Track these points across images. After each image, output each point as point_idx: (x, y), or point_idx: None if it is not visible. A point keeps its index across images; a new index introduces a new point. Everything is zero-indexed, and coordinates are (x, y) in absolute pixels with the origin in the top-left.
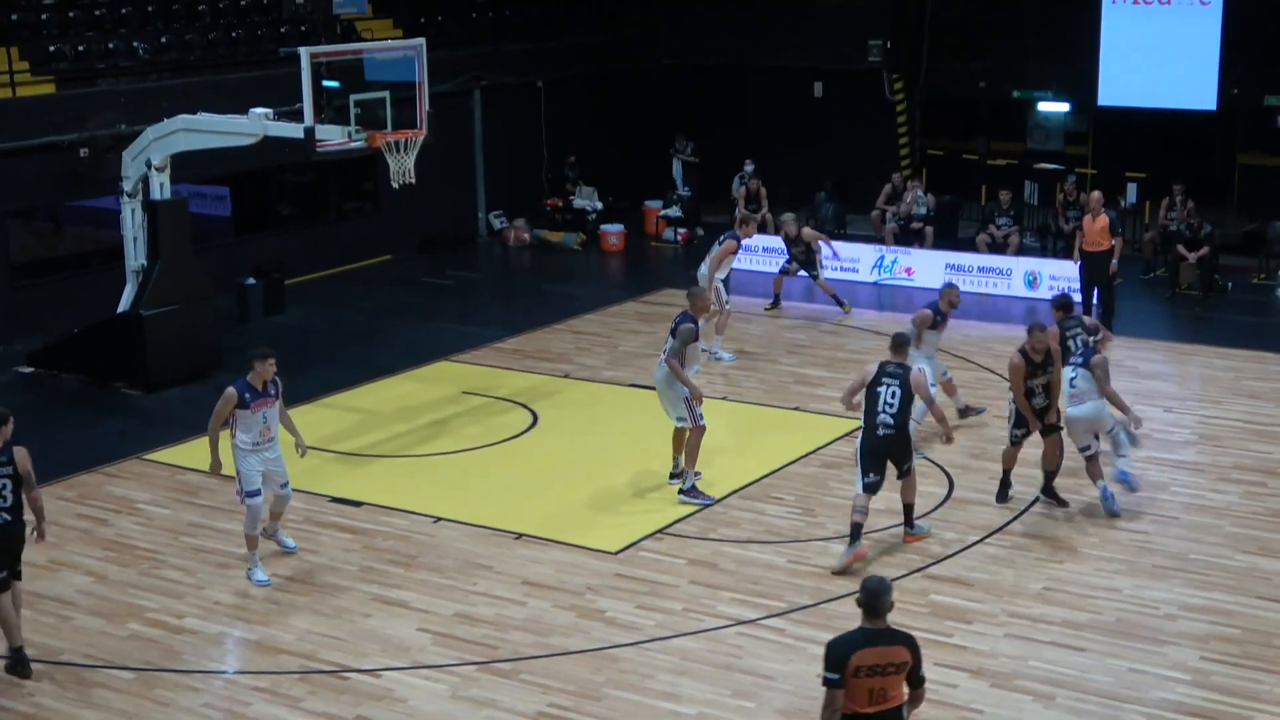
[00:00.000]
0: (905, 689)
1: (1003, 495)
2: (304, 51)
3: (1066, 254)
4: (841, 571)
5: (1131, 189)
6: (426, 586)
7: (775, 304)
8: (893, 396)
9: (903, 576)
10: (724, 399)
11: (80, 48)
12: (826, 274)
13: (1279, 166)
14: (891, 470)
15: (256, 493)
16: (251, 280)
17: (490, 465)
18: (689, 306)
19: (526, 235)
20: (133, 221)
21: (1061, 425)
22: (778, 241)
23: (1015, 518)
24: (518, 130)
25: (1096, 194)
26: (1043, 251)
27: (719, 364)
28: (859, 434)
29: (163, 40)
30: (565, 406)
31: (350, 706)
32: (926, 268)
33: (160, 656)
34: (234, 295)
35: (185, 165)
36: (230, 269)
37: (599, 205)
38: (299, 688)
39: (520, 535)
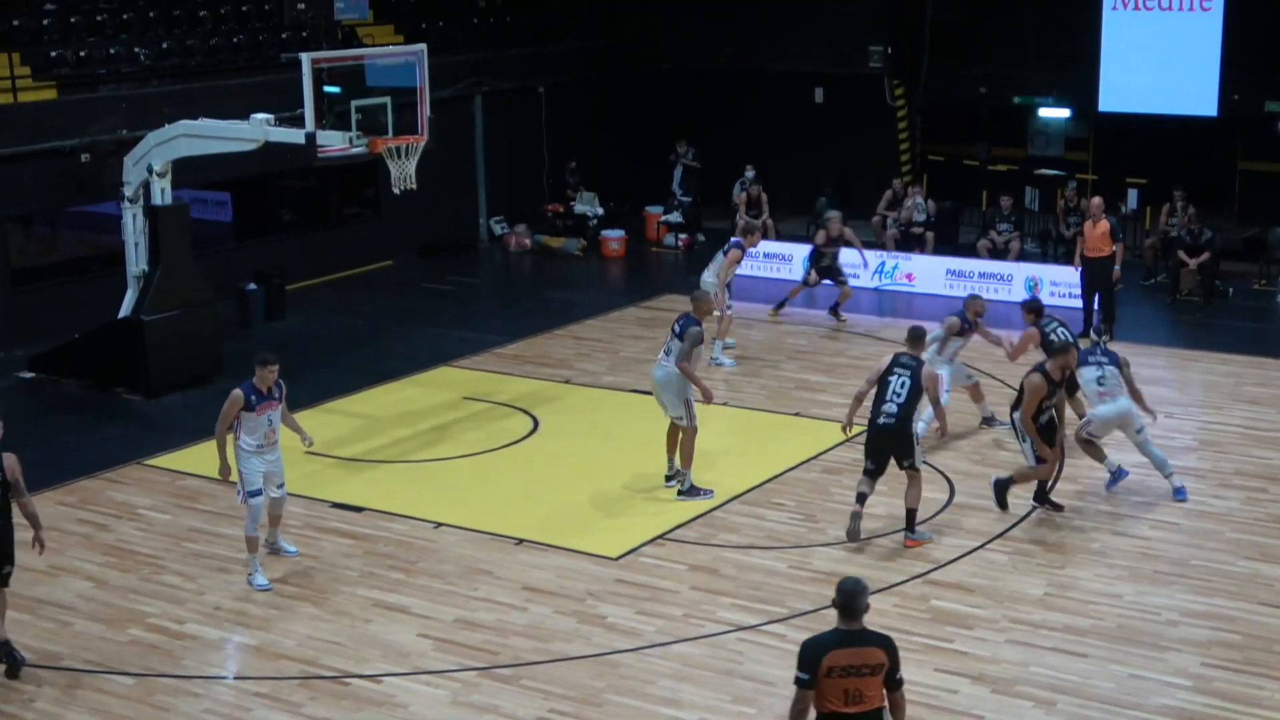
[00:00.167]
0: (884, 692)
1: (1052, 503)
2: (305, 57)
3: (1067, 260)
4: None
5: (1132, 195)
6: (427, 592)
7: (780, 307)
8: (901, 387)
9: (904, 582)
10: (725, 404)
11: (82, 53)
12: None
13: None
14: (899, 477)
15: (258, 493)
16: (252, 285)
17: (491, 471)
18: (693, 309)
19: (527, 241)
20: (134, 227)
21: (1064, 434)
22: (779, 247)
23: (1016, 523)
24: (518, 135)
25: (1097, 200)
26: (1043, 257)
27: (720, 369)
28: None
29: (164, 46)
30: (566, 412)
31: (351, 712)
32: (927, 274)
33: (161, 662)
34: (235, 300)
35: (186, 171)
36: (231, 274)
37: (600, 211)
38: (299, 693)
39: (521, 541)
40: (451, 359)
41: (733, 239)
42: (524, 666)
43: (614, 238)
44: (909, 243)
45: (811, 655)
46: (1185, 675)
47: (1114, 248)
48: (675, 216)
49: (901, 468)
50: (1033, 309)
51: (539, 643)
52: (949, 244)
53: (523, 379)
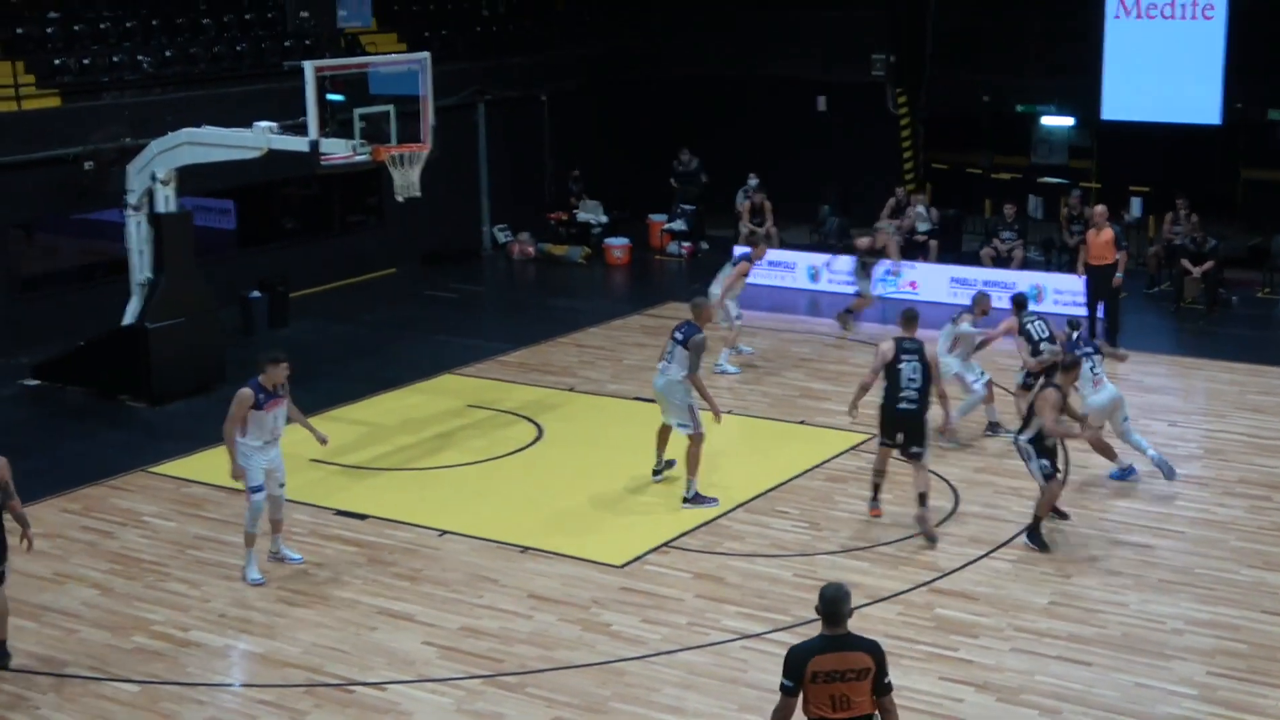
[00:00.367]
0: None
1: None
2: (308, 65)
3: (1071, 268)
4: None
5: (1136, 203)
6: (432, 600)
7: (848, 320)
8: (915, 372)
9: (908, 591)
10: (730, 412)
11: (85, 61)
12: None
13: None
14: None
15: (260, 488)
16: (256, 293)
17: (495, 478)
18: (693, 316)
19: (531, 249)
20: (137, 235)
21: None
22: (782, 255)
23: (1021, 532)
24: (522, 143)
25: (1101, 207)
26: (1047, 265)
27: (724, 377)
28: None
29: (167, 54)
30: (570, 420)
31: (355, 719)
32: (930, 282)
33: (165, 669)
34: (238, 308)
35: (190, 178)
36: (235, 282)
37: (603, 219)
38: (304, 701)
39: (526, 548)
40: (455, 367)
41: (741, 251)
42: (529, 674)
43: (617, 245)
44: (912, 251)
45: (796, 661)
46: (1190, 684)
47: (1117, 256)
48: (679, 224)
49: (908, 453)
50: (1018, 302)
51: (544, 650)
52: (952, 252)
53: (526, 386)
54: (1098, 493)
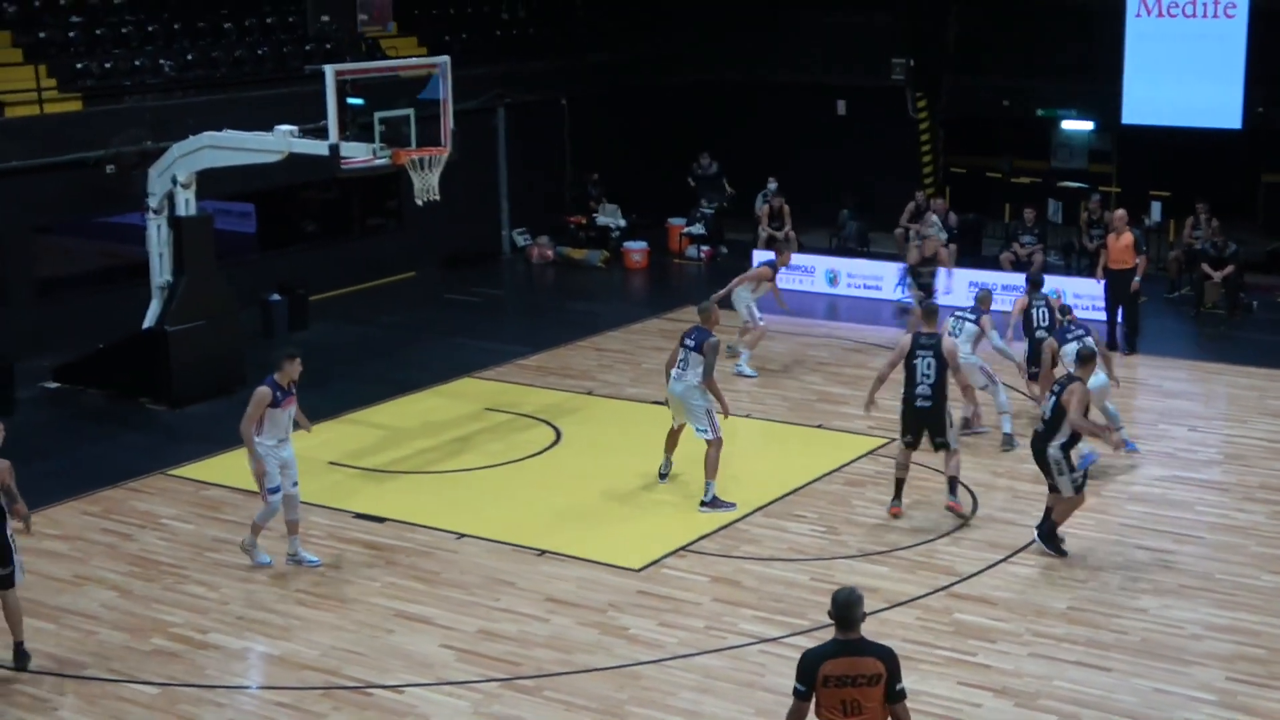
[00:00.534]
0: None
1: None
2: (329, 69)
3: (1091, 272)
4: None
5: (1156, 207)
6: (449, 603)
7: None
8: (929, 368)
9: (927, 595)
10: (747, 416)
11: (107, 65)
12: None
13: None
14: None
15: (277, 489)
16: (276, 296)
17: (513, 482)
18: (701, 321)
19: (550, 252)
20: (158, 238)
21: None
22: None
23: (1036, 538)
24: (541, 147)
25: (1121, 212)
26: (1067, 269)
27: (743, 380)
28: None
29: (189, 58)
30: (588, 423)
31: None
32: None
33: (184, 671)
34: (258, 311)
35: (210, 182)
36: (255, 285)
37: (622, 222)
38: (322, 703)
39: (543, 552)
40: (474, 370)
41: (763, 259)
42: (546, 678)
43: (636, 249)
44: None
45: (808, 665)
46: (1209, 690)
47: (1137, 260)
48: (698, 228)
49: (935, 445)
50: (1034, 282)
51: (561, 654)
52: (971, 256)
53: (545, 390)
54: (1117, 498)
